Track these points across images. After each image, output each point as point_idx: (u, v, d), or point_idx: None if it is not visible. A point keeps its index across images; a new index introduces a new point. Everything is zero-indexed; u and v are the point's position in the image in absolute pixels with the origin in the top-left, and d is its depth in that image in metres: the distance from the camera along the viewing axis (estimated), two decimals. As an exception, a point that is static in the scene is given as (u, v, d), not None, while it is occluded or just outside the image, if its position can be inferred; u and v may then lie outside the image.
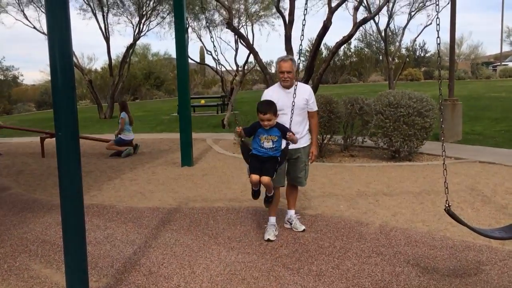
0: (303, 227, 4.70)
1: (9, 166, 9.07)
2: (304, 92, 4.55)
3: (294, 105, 4.23)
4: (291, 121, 4.18)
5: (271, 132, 4.04)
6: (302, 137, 4.56)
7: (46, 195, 6.63)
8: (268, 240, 4.42)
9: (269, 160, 4.02)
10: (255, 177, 3.96)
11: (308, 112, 4.63)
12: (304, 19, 4.02)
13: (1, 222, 5.35)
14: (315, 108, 4.72)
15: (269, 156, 4.03)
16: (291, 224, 4.76)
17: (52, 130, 10.47)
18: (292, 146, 4.44)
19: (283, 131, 4.07)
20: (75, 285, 3.04)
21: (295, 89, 4.23)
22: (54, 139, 10.12)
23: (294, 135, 4.04)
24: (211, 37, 4.64)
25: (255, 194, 4.16)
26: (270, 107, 4.04)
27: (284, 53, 9.92)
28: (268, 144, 4.02)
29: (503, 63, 37.67)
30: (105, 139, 10.65)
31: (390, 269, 3.73)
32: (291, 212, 4.81)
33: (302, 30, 4.07)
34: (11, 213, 5.72)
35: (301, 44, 4.09)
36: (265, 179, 3.95)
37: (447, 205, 3.15)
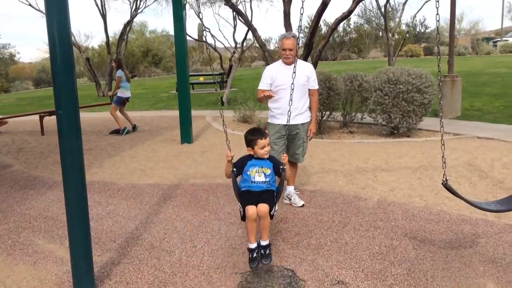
0: (302, 202, 4.76)
1: (9, 144, 9.10)
2: (306, 69, 4.57)
3: (294, 81, 4.23)
4: (291, 96, 3.83)
5: (264, 164, 3.48)
6: (301, 114, 4.58)
7: (47, 172, 6.68)
8: (268, 215, 4.48)
9: (265, 192, 3.41)
10: (252, 208, 3.24)
11: (308, 89, 4.64)
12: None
13: (4, 199, 5.41)
14: (316, 86, 4.72)
15: (264, 189, 3.43)
16: (290, 199, 4.82)
17: (51, 108, 10.44)
18: (291, 122, 4.46)
19: (276, 165, 3.52)
20: (79, 259, 3.11)
21: (294, 66, 3.98)
22: (53, 116, 10.10)
23: (287, 157, 3.57)
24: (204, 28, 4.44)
25: (253, 260, 3.33)
26: (264, 132, 3.61)
27: (283, 30, 9.85)
28: (260, 178, 3.43)
29: (503, 39, 37.32)
30: (103, 104, 10.56)
31: (388, 242, 3.80)
32: (290, 188, 4.87)
33: (302, 8, 3.99)
34: (13, 190, 5.78)
35: (300, 19, 3.95)
36: (263, 206, 3.25)
37: (444, 179, 3.19)
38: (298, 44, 4.32)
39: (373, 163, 6.42)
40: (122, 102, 9.86)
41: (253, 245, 3.35)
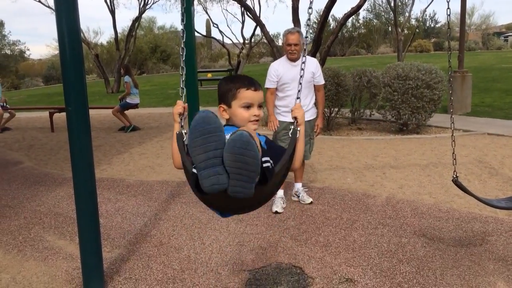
0: (310, 200, 4.75)
1: (19, 141, 9.18)
2: (311, 65, 4.53)
3: (303, 79, 4.20)
4: (299, 94, 3.52)
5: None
6: (308, 111, 4.56)
7: (57, 169, 6.73)
8: (276, 212, 4.48)
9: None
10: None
11: (314, 85, 4.62)
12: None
13: (15, 195, 5.47)
14: (322, 82, 4.70)
15: None
16: (298, 196, 4.82)
17: (60, 105, 10.54)
18: None
19: (271, 146, 1.95)
20: (89, 256, 3.13)
21: (303, 62, 3.67)
22: (62, 113, 10.18)
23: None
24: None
25: None
26: (257, 83, 2.02)
27: (291, 25, 9.81)
28: None
29: (515, 33, 36.88)
30: (111, 107, 10.56)
31: (396, 240, 3.78)
32: (298, 185, 4.86)
33: (310, 2, 3.91)
34: (24, 186, 5.84)
35: (309, 19, 3.77)
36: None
37: (454, 176, 3.17)
38: (307, 38, 4.22)
39: (382, 160, 6.38)
40: (127, 108, 9.87)
41: None
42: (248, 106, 1.91)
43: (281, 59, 4.61)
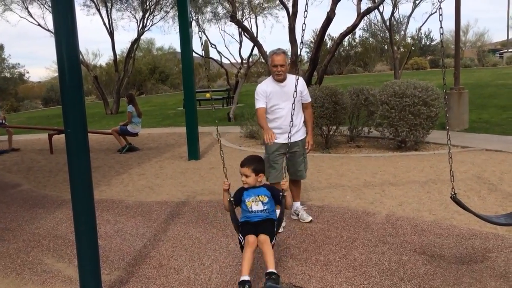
0: (310, 218, 4.74)
1: (18, 163, 9.18)
2: (299, 84, 4.54)
3: (295, 99, 4.19)
4: (292, 112, 3.76)
5: (259, 192, 3.30)
6: (299, 130, 4.56)
7: (56, 191, 6.72)
8: (276, 231, 4.43)
9: (265, 222, 3.23)
10: (252, 237, 3.09)
11: (302, 103, 4.63)
12: (305, 16, 3.92)
13: (13, 218, 5.44)
14: (309, 99, 4.71)
15: (263, 218, 3.24)
16: (298, 215, 4.80)
17: (60, 126, 10.56)
18: (290, 140, 4.44)
19: (274, 193, 3.33)
20: (88, 278, 3.11)
21: (297, 79, 3.81)
22: (62, 135, 10.20)
23: (287, 182, 3.40)
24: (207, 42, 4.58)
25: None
26: (251, 161, 3.35)
27: (288, 45, 9.94)
28: (257, 207, 3.25)
29: (509, 50, 37.28)
30: (110, 132, 10.62)
31: (397, 257, 3.76)
32: (297, 204, 4.85)
33: (303, 24, 3.84)
34: (23, 209, 5.81)
35: (302, 38, 3.82)
36: (263, 236, 3.09)
37: (452, 193, 3.17)
38: (301, 59, 4.26)
39: (381, 177, 6.39)
40: (126, 135, 9.94)
41: (245, 277, 2.96)
42: (241, 176, 3.33)
43: (268, 80, 4.55)
